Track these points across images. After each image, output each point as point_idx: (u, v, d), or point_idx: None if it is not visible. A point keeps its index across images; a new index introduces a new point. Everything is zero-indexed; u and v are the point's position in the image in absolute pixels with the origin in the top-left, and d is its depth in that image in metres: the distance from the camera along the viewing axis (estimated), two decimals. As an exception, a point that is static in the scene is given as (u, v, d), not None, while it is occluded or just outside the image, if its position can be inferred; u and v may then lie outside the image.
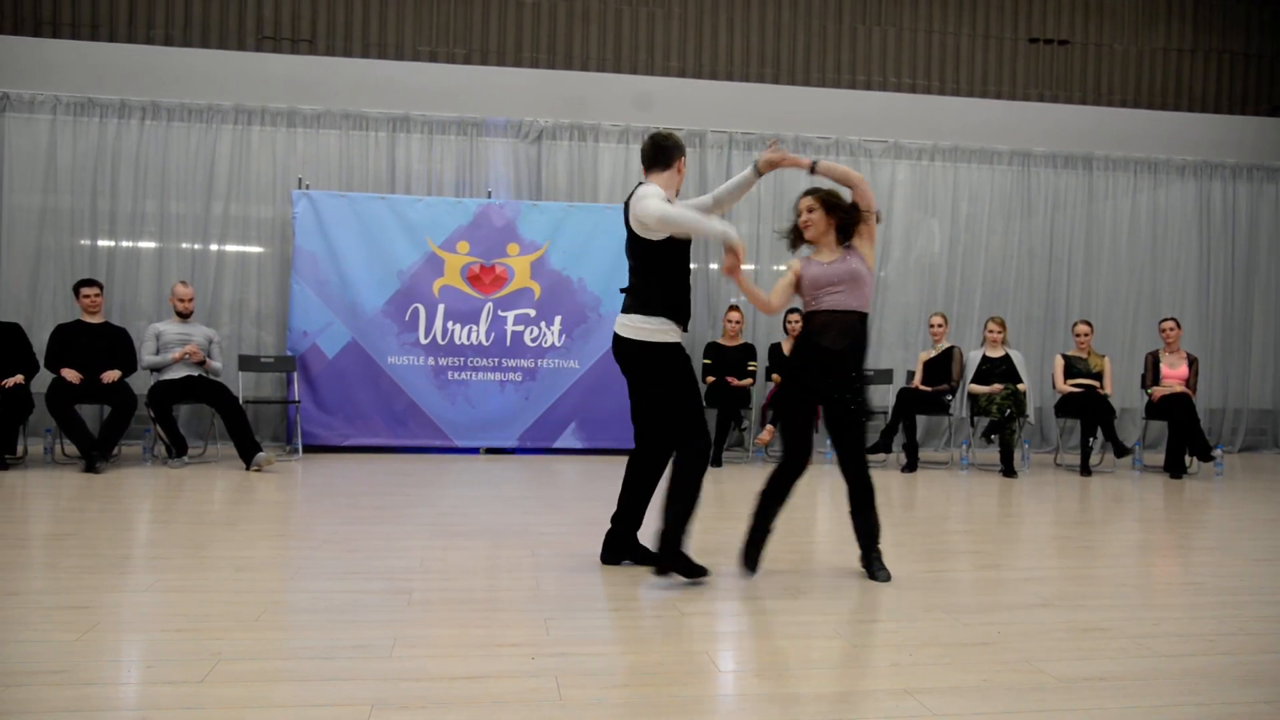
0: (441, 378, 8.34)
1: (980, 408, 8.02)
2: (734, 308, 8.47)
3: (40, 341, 7.35)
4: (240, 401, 7.35)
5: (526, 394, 8.42)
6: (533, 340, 8.45)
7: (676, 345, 4.03)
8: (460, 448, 8.35)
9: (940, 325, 8.35)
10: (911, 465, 7.87)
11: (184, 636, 3.12)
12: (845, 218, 4.06)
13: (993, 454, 8.16)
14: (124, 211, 8.57)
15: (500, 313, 8.41)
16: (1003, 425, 7.76)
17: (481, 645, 3.09)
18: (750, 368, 8.32)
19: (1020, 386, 7.91)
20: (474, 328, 8.37)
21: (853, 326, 4.01)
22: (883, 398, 9.01)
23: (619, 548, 4.28)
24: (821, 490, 6.84)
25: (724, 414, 8.03)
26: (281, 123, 8.79)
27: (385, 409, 8.24)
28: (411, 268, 8.31)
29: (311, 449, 8.09)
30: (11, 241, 8.44)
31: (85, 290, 7.31)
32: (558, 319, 8.47)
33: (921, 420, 8.91)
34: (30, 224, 8.47)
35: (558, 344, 8.47)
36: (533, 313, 8.45)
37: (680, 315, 4.05)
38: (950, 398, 8.24)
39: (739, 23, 9.69)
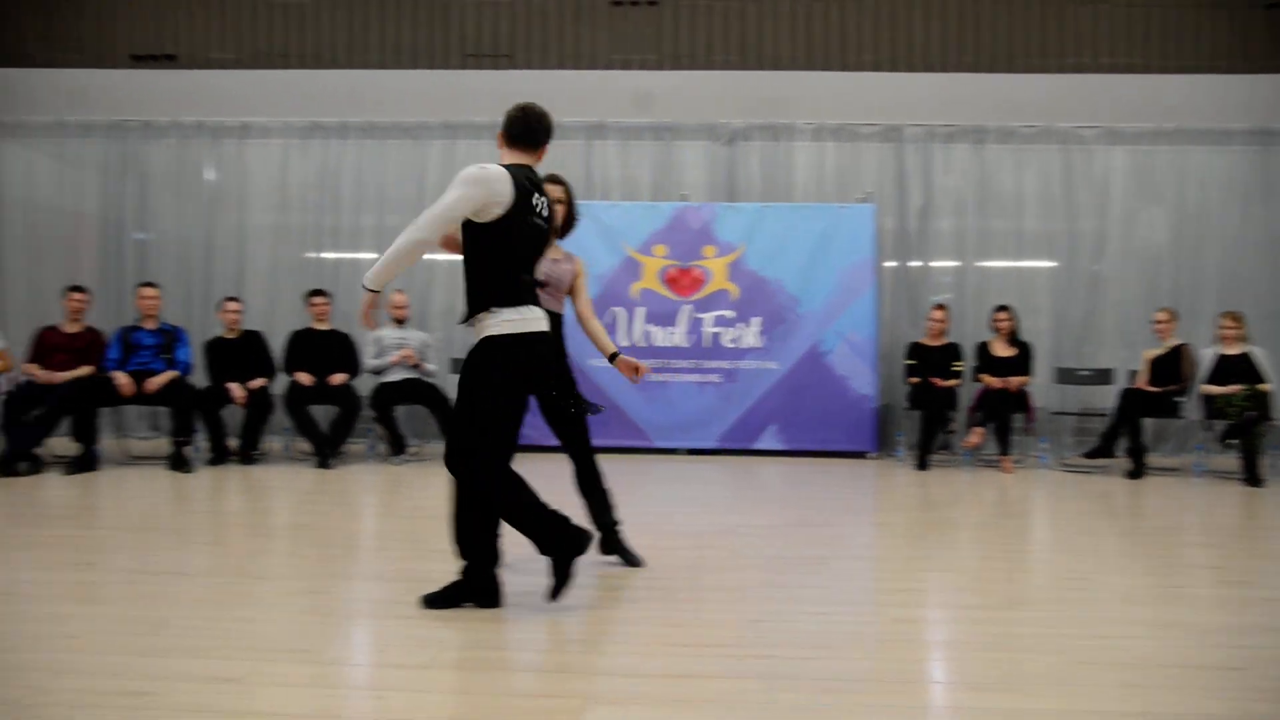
0: (642, 379, 8.44)
1: (1217, 410, 7.39)
2: (939, 306, 8.17)
3: (279, 347, 7.96)
4: (452, 403, 7.71)
5: (726, 395, 8.43)
6: (732, 341, 8.44)
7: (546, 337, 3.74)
8: (661, 448, 8.45)
9: (1165, 321, 7.75)
10: (1138, 471, 7.34)
11: (409, 623, 3.30)
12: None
13: (1232, 460, 7.49)
14: (346, 226, 9.20)
15: (698, 314, 8.46)
16: (1244, 429, 7.12)
17: (688, 644, 3.10)
18: (956, 368, 8.00)
19: (1263, 386, 7.23)
20: (673, 330, 8.46)
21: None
22: (1102, 399, 8.48)
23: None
24: (1038, 495, 6.50)
25: (929, 416, 7.75)
26: (485, 136, 9.16)
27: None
28: (609, 272, 8.48)
29: (519, 448, 8.38)
30: (252, 256, 9.23)
31: (315, 299, 7.88)
32: (756, 320, 8.43)
33: (1148, 423, 8.29)
34: (266, 240, 9.22)
35: (757, 345, 8.43)
36: (731, 314, 8.45)
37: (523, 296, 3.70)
38: (1182, 399, 7.63)
39: (934, 11, 9.33)
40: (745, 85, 9.17)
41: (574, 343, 8.56)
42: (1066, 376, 8.53)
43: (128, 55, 9.70)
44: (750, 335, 8.42)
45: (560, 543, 3.41)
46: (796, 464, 7.91)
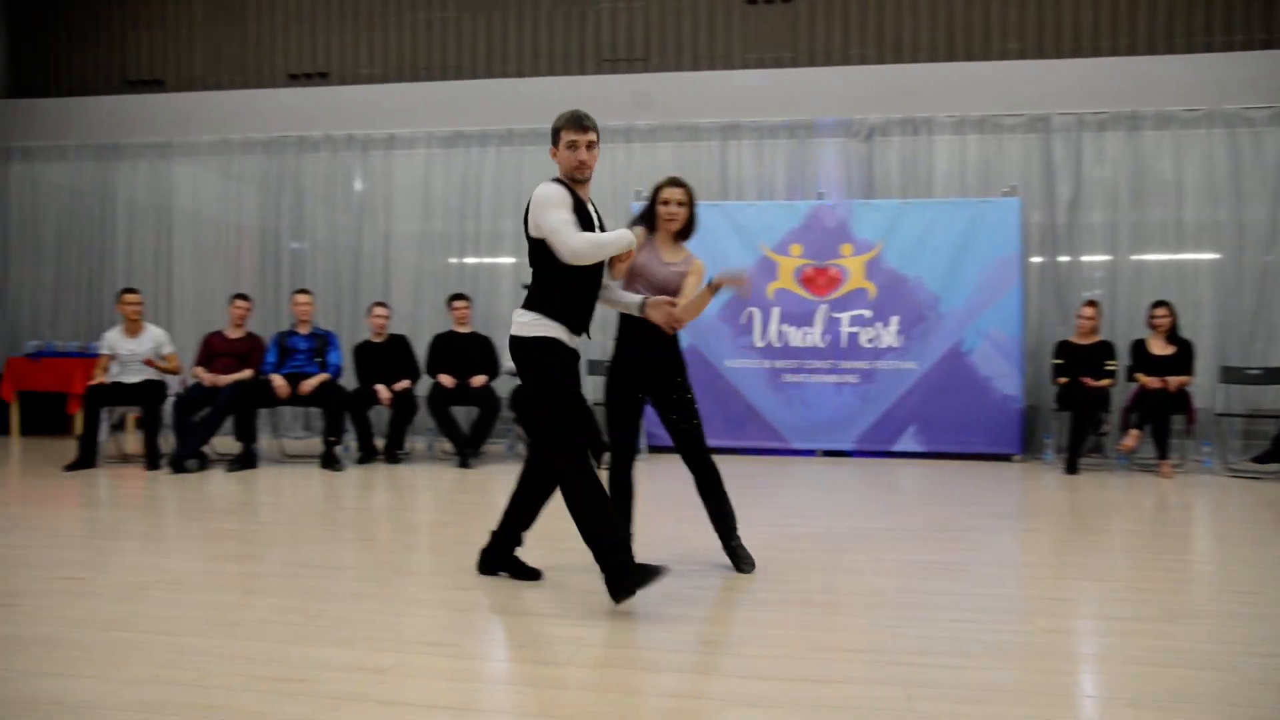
0: (777, 380, 8.39)
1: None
2: (1090, 302, 7.79)
3: (422, 351, 8.25)
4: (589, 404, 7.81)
5: (863, 396, 8.27)
6: (869, 341, 8.28)
7: (550, 340, 3.60)
8: (796, 450, 8.35)
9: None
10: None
11: (548, 622, 3.37)
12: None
13: None
14: (485, 231, 9.46)
15: (835, 314, 8.33)
16: None
17: (826, 649, 3.06)
18: (1109, 367, 7.62)
19: None
20: (809, 330, 8.35)
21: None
22: (1272, 400, 7.94)
23: (494, 559, 3.95)
24: (1200, 501, 6.12)
25: (1079, 418, 7.40)
26: (619, 139, 9.28)
27: (722, 411, 8.43)
28: (745, 272, 8.43)
29: (655, 449, 8.43)
30: (398, 263, 9.60)
31: (456, 303, 8.13)
32: (895, 319, 8.24)
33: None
34: (411, 247, 9.57)
35: (895, 344, 8.24)
36: (869, 313, 8.28)
37: (568, 317, 3.64)
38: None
39: (1089, -7, 8.93)
40: (882, 79, 8.97)
41: (708, 346, 8.61)
42: (1233, 376, 8.02)
43: (285, 74, 10.23)
44: (888, 334, 8.24)
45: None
46: (937, 466, 7.69)
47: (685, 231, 4.12)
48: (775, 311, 8.40)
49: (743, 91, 9.14)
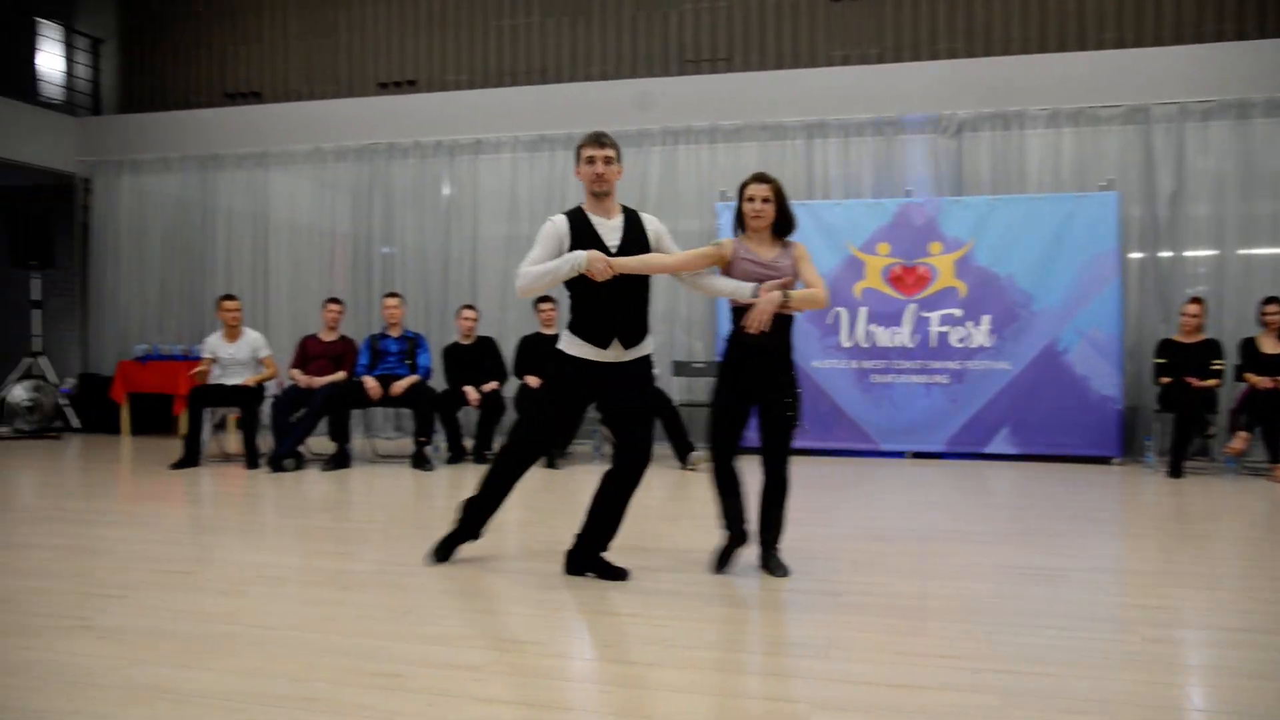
0: (865, 381, 8.27)
1: None
2: (1194, 299, 7.48)
3: (509, 353, 8.34)
4: (675, 405, 7.81)
5: (954, 397, 8.10)
6: (960, 341, 8.10)
7: (567, 357, 3.95)
8: (885, 451, 8.22)
9: None
10: None
11: (636, 622, 3.38)
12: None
13: None
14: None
15: (924, 313, 8.17)
16: None
17: (918, 654, 3.00)
18: (1215, 366, 7.31)
19: None
20: (897, 330, 8.21)
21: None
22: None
23: (580, 561, 4.06)
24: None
25: (1183, 419, 7.12)
26: (704, 139, 9.27)
27: (809, 412, 8.31)
28: (832, 272, 8.34)
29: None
30: (485, 266, 9.74)
31: (542, 306, 8.20)
32: (986, 318, 8.05)
33: None
34: (498, 250, 9.69)
35: (986, 344, 8.05)
36: (959, 312, 8.11)
37: (588, 333, 3.90)
38: None
39: (1192, -22, 8.60)
40: (972, 73, 8.77)
41: (794, 346, 8.50)
42: (1349, 375, 7.61)
43: (375, 84, 10.49)
44: (980, 334, 8.05)
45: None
46: (1031, 469, 7.49)
47: (780, 227, 4.04)
48: (862, 311, 8.28)
49: (828, 89, 9.04)
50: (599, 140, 3.92)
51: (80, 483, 6.91)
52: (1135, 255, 8.34)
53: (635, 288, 3.93)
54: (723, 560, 4.06)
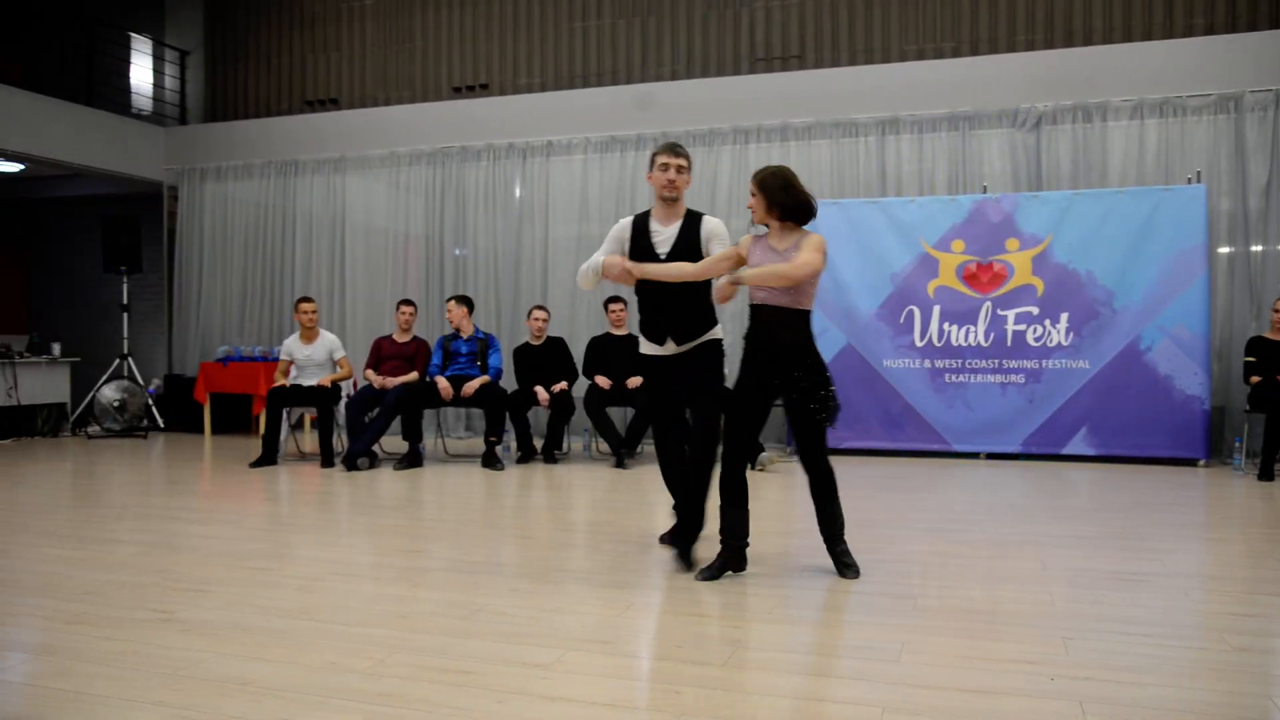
0: (938, 380, 8.13)
1: None
2: (1286, 295, 7.20)
3: (579, 353, 8.40)
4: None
5: (1030, 396, 7.91)
6: (1036, 339, 7.92)
7: (641, 355, 4.37)
8: (959, 452, 8.07)
9: None
10: None
11: (706, 622, 3.37)
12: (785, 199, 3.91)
13: None
14: (642, 234, 9.52)
15: (1000, 312, 8.00)
16: None
17: (992, 659, 2.94)
18: (1309, 365, 7.03)
19: None
20: (971, 328, 8.06)
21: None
22: None
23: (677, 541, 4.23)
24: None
25: (1275, 419, 6.84)
26: (775, 138, 9.20)
27: (881, 412, 8.23)
28: (905, 270, 8.22)
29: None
30: (555, 267, 9.81)
31: (613, 306, 8.23)
32: (1064, 316, 7.85)
33: None
34: (569, 251, 9.75)
35: (1064, 343, 7.85)
36: (1036, 310, 7.92)
37: (646, 331, 4.30)
38: None
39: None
40: (1051, 64, 8.55)
41: (866, 345, 8.43)
42: None
43: (449, 88, 10.64)
44: (1057, 332, 7.85)
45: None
46: (1111, 471, 7.28)
47: (791, 215, 3.93)
48: (936, 309, 8.13)
49: (901, 84, 8.90)
50: (674, 149, 4.19)
51: (164, 480, 7.14)
52: (1224, 250, 8.05)
53: (684, 290, 4.16)
54: (714, 572, 3.92)
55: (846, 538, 4.04)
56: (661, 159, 4.17)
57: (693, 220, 4.20)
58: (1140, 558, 4.36)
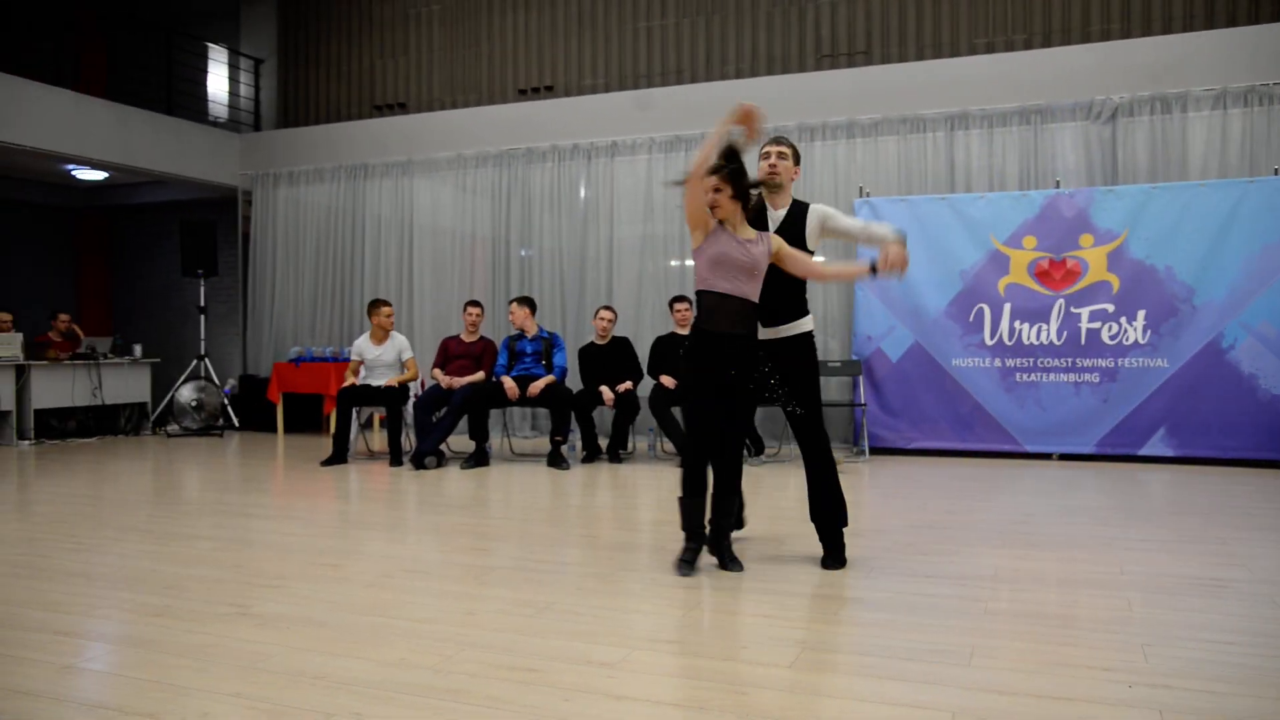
0: (1009, 379, 7.98)
1: None
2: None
3: (644, 353, 8.41)
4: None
5: (1105, 396, 7.72)
6: (1111, 338, 7.72)
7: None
8: (1030, 453, 7.91)
9: None
10: None
11: (771, 623, 3.35)
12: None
13: None
14: (706, 233, 9.50)
15: (1073, 309, 7.82)
16: None
17: (1066, 664, 2.87)
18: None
19: None
20: (1044, 326, 7.89)
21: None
22: None
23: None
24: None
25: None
26: (841, 135, 9.10)
27: (950, 412, 8.10)
28: (974, 267, 8.08)
29: (878, 451, 8.23)
30: (621, 267, 9.83)
31: (678, 306, 8.22)
32: (1141, 313, 7.64)
33: None
34: (634, 251, 9.78)
35: (1141, 341, 7.64)
36: (1111, 308, 7.72)
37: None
38: None
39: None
40: (1128, 54, 8.32)
41: (934, 344, 8.30)
42: None
43: (515, 90, 10.74)
44: (1134, 330, 7.65)
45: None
46: (1191, 473, 7.07)
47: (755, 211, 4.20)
48: (1006, 307, 7.98)
49: (970, 78, 8.74)
50: (776, 139, 4.39)
51: (239, 478, 7.32)
52: (1312, 244, 7.75)
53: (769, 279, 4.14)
54: (686, 563, 4.06)
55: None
56: (764, 148, 4.38)
57: (799, 210, 4.30)
58: (1223, 563, 4.23)
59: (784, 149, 4.34)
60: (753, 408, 4.21)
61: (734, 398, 4.03)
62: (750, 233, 4.04)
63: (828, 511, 4.20)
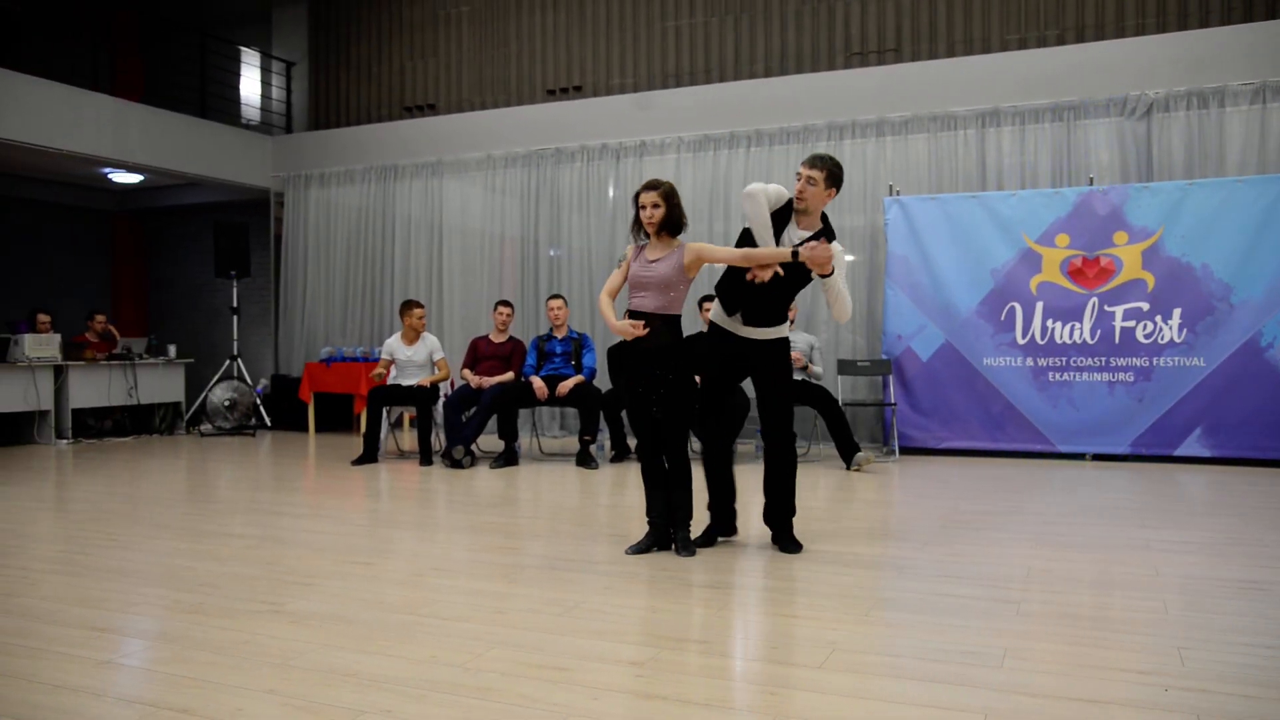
0: (1042, 379, 7.89)
1: None
2: None
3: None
4: (840, 404, 7.67)
5: (1140, 395, 7.62)
6: (1146, 336, 7.62)
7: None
8: (1063, 453, 7.82)
9: None
10: None
11: (801, 623, 3.34)
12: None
13: None
14: (735, 232, 9.46)
15: (1107, 308, 7.73)
16: None
17: (1100, 667, 2.84)
18: None
19: None
20: (1077, 325, 7.80)
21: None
22: None
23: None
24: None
25: None
26: (870, 133, 9.05)
27: (982, 411, 8.03)
28: (1006, 265, 8.00)
29: (908, 450, 8.17)
30: (648, 267, 9.82)
31: (706, 305, 8.21)
32: (1176, 311, 7.54)
33: None
34: (662, 250, 9.76)
35: (1177, 339, 7.54)
36: (1146, 306, 7.62)
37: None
38: None
39: None
40: (1163, 49, 8.21)
41: (965, 343, 8.22)
42: None
43: (543, 90, 10.76)
44: (1169, 329, 7.55)
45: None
46: (1228, 474, 6.96)
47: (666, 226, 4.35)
48: (1039, 306, 7.90)
49: (1002, 75, 8.66)
50: (812, 160, 4.33)
51: (271, 477, 7.39)
52: (1353, 241, 7.61)
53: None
54: (643, 549, 4.40)
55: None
56: (799, 169, 4.37)
57: (825, 236, 4.37)
58: (1261, 565, 4.16)
59: (815, 174, 4.28)
60: (739, 407, 4.58)
61: (652, 400, 4.36)
62: (656, 253, 4.36)
63: (780, 516, 4.51)
